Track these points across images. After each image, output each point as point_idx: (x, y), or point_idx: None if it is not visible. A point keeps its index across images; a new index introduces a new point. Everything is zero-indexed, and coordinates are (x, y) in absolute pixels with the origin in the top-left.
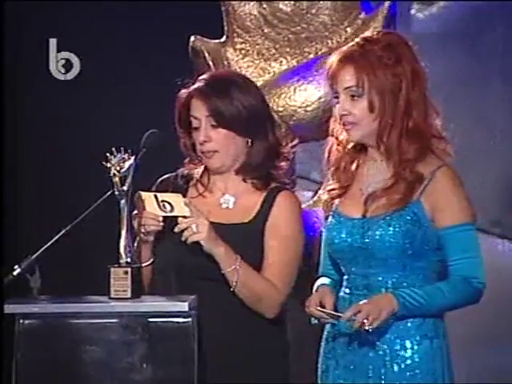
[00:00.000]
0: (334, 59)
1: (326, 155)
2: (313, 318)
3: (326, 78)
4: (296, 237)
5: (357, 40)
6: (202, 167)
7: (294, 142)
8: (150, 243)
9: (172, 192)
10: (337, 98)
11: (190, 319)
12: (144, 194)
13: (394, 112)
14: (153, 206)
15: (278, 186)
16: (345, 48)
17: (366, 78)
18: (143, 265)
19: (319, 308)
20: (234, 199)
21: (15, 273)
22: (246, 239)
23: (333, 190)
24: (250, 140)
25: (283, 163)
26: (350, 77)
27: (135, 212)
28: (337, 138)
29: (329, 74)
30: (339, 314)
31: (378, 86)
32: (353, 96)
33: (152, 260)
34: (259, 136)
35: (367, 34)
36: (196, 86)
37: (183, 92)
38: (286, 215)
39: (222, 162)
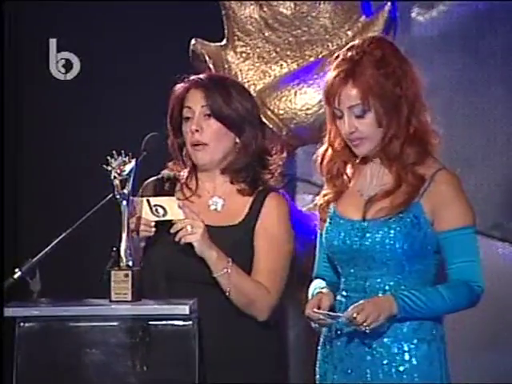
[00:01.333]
0: (332, 77)
1: (319, 161)
2: (312, 323)
3: (324, 94)
4: (286, 239)
5: (349, 54)
6: (187, 170)
7: (283, 155)
8: (140, 248)
9: (159, 195)
10: (334, 113)
11: (190, 322)
12: (136, 200)
13: (399, 122)
14: (146, 211)
15: (266, 188)
16: (340, 63)
17: (371, 95)
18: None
19: (315, 310)
20: (222, 201)
21: (16, 276)
22: (235, 242)
23: (328, 194)
24: (239, 140)
25: (269, 175)
26: (354, 96)
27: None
28: (332, 147)
29: (330, 91)
30: (337, 314)
31: (382, 100)
32: (358, 113)
33: (142, 264)
34: (249, 138)
35: (355, 44)
36: (195, 77)
37: (179, 86)
38: (276, 217)
39: (211, 158)
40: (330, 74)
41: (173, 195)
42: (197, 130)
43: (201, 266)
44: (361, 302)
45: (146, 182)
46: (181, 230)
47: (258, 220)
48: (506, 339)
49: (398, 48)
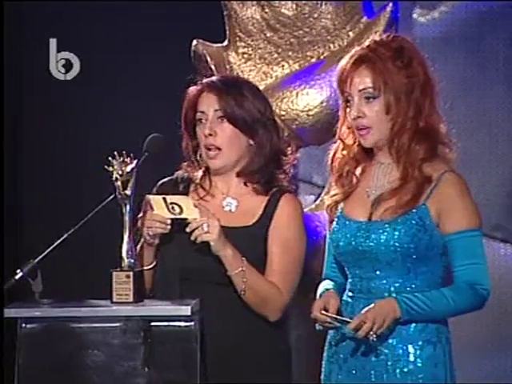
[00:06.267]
0: (347, 62)
1: (330, 161)
2: (317, 324)
3: (336, 81)
4: (299, 240)
5: (367, 43)
6: (202, 170)
7: (297, 155)
8: (153, 246)
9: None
10: (347, 101)
11: (192, 323)
12: (152, 197)
13: (407, 114)
14: (161, 208)
15: (280, 189)
16: (356, 51)
17: (382, 80)
18: (146, 268)
19: (323, 312)
20: (236, 202)
21: (17, 277)
22: (249, 242)
23: (336, 195)
24: (253, 142)
25: (283, 175)
26: (366, 78)
27: (141, 215)
28: (343, 142)
29: (342, 76)
30: (344, 319)
31: (394, 87)
32: (368, 98)
33: (155, 263)
34: (263, 140)
35: (375, 37)
36: (209, 80)
37: (193, 88)
38: (289, 218)
39: (225, 162)
40: (344, 60)
41: (187, 196)
42: (210, 134)
43: (216, 266)
44: (363, 311)
45: (161, 182)
46: (196, 228)
47: (271, 221)
48: (508, 340)
49: (418, 48)
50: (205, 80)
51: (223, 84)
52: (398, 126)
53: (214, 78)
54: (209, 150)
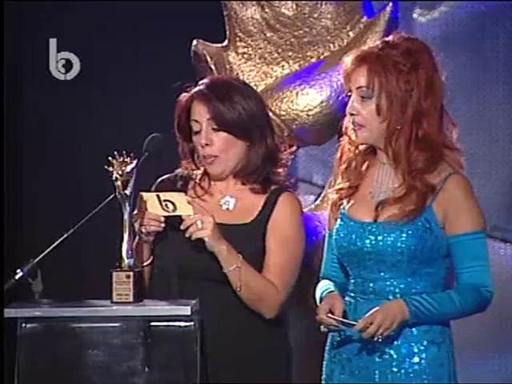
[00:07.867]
0: (350, 58)
1: (339, 154)
2: (322, 326)
3: (341, 75)
4: (297, 238)
5: (377, 42)
6: (202, 169)
7: (293, 149)
8: (149, 243)
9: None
10: (350, 96)
11: (192, 323)
12: (146, 195)
13: (402, 119)
14: (155, 206)
15: (279, 187)
16: (363, 48)
17: (377, 81)
18: (142, 265)
19: (330, 315)
20: (234, 201)
21: (17, 277)
22: (247, 239)
23: (341, 189)
24: (249, 143)
25: (281, 169)
26: (362, 77)
27: (135, 212)
28: (349, 137)
29: (344, 72)
30: (350, 322)
31: (389, 90)
32: (363, 97)
33: (151, 260)
34: (258, 140)
35: (391, 37)
36: (197, 89)
37: (183, 95)
38: (288, 216)
39: (223, 168)
40: (350, 56)
41: (185, 193)
42: (207, 144)
43: (212, 264)
44: (371, 311)
45: (160, 179)
46: (190, 225)
47: (270, 219)
48: (509, 340)
49: (433, 54)
50: (194, 89)
51: (212, 91)
52: (392, 128)
53: (202, 86)
54: (207, 158)
